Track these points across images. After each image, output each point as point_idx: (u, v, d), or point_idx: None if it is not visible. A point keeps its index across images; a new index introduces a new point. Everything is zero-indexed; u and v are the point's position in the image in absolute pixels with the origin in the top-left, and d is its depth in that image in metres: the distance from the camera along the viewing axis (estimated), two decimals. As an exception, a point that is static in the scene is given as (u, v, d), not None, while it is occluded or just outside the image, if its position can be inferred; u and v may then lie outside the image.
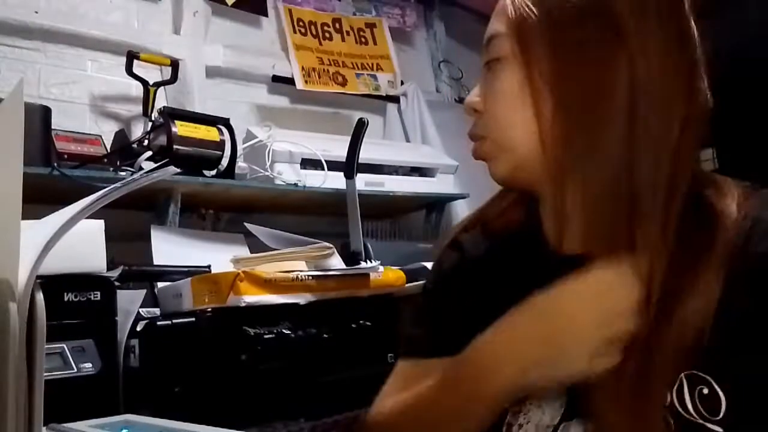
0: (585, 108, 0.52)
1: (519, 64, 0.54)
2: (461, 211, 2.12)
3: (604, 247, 0.50)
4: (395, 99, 2.18)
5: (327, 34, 2.06)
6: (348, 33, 2.10)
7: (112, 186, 0.32)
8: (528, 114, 0.54)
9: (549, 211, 0.58)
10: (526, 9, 0.54)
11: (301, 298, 0.91)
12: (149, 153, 1.37)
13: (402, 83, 2.16)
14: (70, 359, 0.76)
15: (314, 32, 2.03)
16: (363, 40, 2.13)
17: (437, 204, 1.97)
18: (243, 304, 0.85)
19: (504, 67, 0.56)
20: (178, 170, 0.40)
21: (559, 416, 0.53)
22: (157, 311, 0.99)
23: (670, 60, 0.52)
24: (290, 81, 1.92)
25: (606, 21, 0.52)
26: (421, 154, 1.99)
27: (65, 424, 0.56)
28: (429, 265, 1.32)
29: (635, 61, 0.51)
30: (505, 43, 0.55)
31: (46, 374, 0.28)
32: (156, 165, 1.39)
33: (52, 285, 0.76)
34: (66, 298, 0.79)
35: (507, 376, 0.50)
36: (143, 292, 1.00)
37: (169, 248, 1.31)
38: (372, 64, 2.10)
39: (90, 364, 0.77)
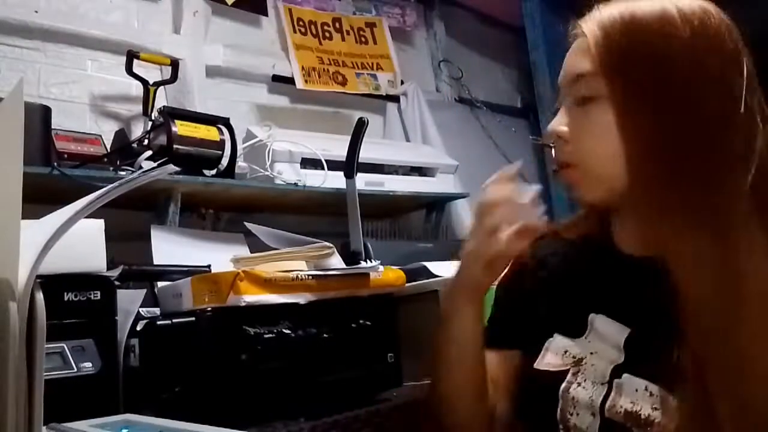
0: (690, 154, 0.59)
1: (613, 105, 0.60)
2: (461, 210, 2.12)
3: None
4: (395, 98, 2.18)
5: (327, 34, 2.06)
6: (348, 32, 2.10)
7: (111, 185, 0.32)
8: (619, 149, 0.60)
9: (631, 226, 0.67)
10: (623, 52, 0.60)
11: (301, 298, 0.91)
12: (149, 152, 1.37)
13: (402, 83, 2.16)
14: (70, 359, 0.76)
15: (314, 32, 2.03)
16: (363, 39, 2.13)
17: (437, 204, 1.97)
18: (243, 304, 0.84)
19: (598, 106, 0.61)
20: (177, 169, 0.40)
21: (609, 372, 0.62)
22: (157, 311, 0.99)
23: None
24: (290, 80, 1.92)
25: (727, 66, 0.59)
26: (421, 153, 1.99)
27: (65, 424, 0.56)
28: (429, 264, 1.32)
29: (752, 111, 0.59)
30: (597, 83, 0.61)
31: (46, 374, 0.28)
32: (156, 164, 1.39)
33: (52, 284, 0.76)
34: (66, 298, 0.78)
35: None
36: (143, 291, 1.00)
37: (169, 248, 1.31)
38: (372, 64, 2.10)
39: (90, 364, 0.77)
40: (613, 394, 0.61)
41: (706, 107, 0.59)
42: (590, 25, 0.63)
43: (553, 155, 0.66)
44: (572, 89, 0.65)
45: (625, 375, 0.61)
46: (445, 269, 1.28)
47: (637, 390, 0.60)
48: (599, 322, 0.65)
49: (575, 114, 0.64)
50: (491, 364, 0.73)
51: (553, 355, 0.68)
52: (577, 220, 0.75)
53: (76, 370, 0.76)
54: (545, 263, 0.75)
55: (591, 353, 0.64)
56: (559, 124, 0.65)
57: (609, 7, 0.63)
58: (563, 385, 0.64)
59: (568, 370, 0.65)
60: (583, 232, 0.72)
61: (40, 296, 0.26)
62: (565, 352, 0.67)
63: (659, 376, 0.59)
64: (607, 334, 0.64)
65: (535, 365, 0.68)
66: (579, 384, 0.64)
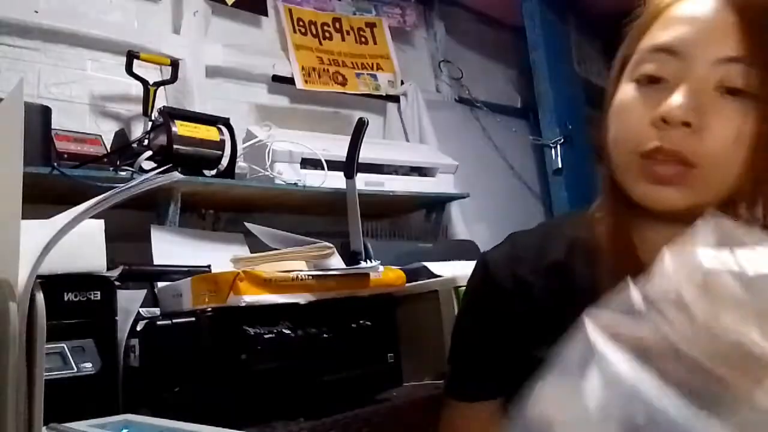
0: None
1: (763, 105, 0.51)
2: (461, 210, 2.12)
3: None
4: (395, 99, 2.18)
5: (327, 34, 2.06)
6: (348, 33, 2.10)
7: (115, 189, 0.32)
8: (746, 156, 0.51)
9: None
10: None
11: (301, 298, 0.91)
12: (149, 153, 1.37)
13: (402, 83, 2.16)
14: (70, 359, 0.76)
15: (314, 32, 2.03)
16: (363, 39, 2.13)
17: (437, 204, 1.97)
18: (243, 304, 0.84)
19: (743, 103, 0.51)
20: (182, 176, 0.39)
21: None
22: (157, 311, 0.99)
23: None
24: (290, 81, 1.92)
25: None
26: (421, 153, 1.99)
27: (65, 424, 0.56)
28: (429, 264, 1.32)
29: None
30: (750, 75, 0.51)
31: (45, 374, 0.28)
32: (156, 165, 1.39)
33: (52, 285, 0.76)
34: (66, 298, 0.78)
35: None
36: (143, 291, 1.00)
37: (169, 248, 1.31)
38: (372, 64, 2.11)
39: (90, 364, 0.77)
40: None
41: None
42: (742, 4, 0.52)
43: (661, 143, 0.52)
44: (714, 72, 0.52)
45: None
46: (445, 269, 1.28)
47: None
48: None
49: (711, 102, 0.51)
50: (473, 423, 0.63)
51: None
52: (606, 232, 0.61)
53: (76, 370, 0.76)
54: (531, 285, 0.63)
55: None
56: (687, 107, 0.51)
57: None
58: None
59: None
60: (606, 248, 0.60)
61: (40, 296, 0.26)
62: None
63: None
64: None
65: None
66: None
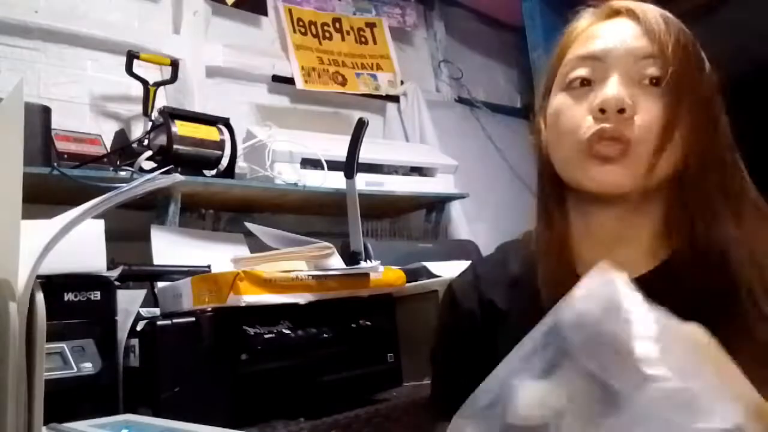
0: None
1: (675, 92, 0.59)
2: (461, 210, 2.12)
3: None
4: (395, 99, 2.18)
5: (327, 34, 2.06)
6: (348, 33, 2.11)
7: (116, 191, 0.32)
8: (668, 136, 0.59)
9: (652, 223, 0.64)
10: (682, 48, 0.61)
11: (301, 298, 0.91)
12: (149, 153, 1.37)
13: (402, 83, 2.17)
14: (70, 359, 0.76)
15: (314, 32, 2.03)
16: (363, 39, 2.13)
17: (437, 204, 1.97)
18: (243, 304, 0.85)
19: (661, 89, 0.60)
20: (183, 178, 0.39)
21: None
22: (157, 311, 0.99)
23: None
24: (290, 81, 1.92)
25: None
26: (421, 153, 1.99)
27: (65, 424, 0.56)
28: (429, 264, 1.32)
29: None
30: (664, 67, 0.60)
31: (46, 374, 0.28)
32: (156, 165, 1.39)
33: (52, 285, 0.76)
34: (66, 298, 0.79)
35: None
36: (143, 292, 1.00)
37: (169, 248, 1.31)
38: (372, 64, 2.11)
39: (90, 364, 0.77)
40: None
41: (718, 105, 0.63)
42: (651, 14, 0.63)
43: (601, 127, 0.60)
44: (636, 66, 0.61)
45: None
46: (445, 269, 1.28)
47: None
48: None
49: (637, 91, 0.60)
50: None
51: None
52: (540, 236, 0.67)
53: (76, 370, 0.76)
54: (490, 298, 0.69)
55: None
56: (620, 95, 0.59)
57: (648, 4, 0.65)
58: None
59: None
60: (541, 252, 0.66)
61: (40, 296, 0.26)
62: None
63: None
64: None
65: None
66: None
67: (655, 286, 0.55)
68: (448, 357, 0.73)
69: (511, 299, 0.68)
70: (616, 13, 0.65)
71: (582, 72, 0.63)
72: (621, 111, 0.59)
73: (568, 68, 0.64)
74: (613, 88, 0.60)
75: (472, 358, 0.69)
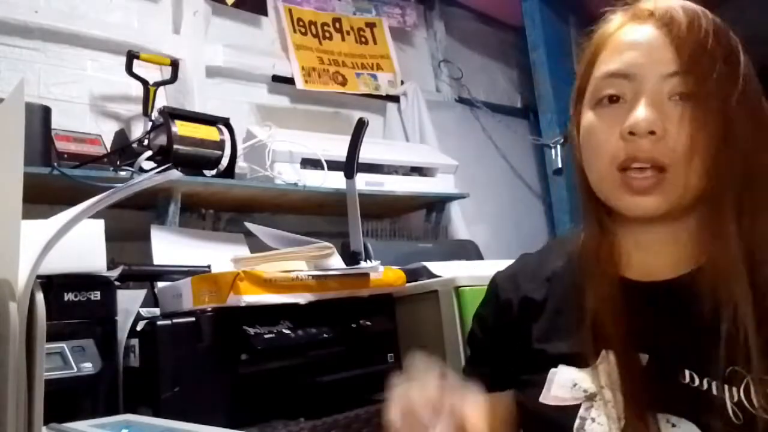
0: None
1: (705, 107, 0.58)
2: (461, 210, 2.12)
3: None
4: (395, 99, 2.18)
5: (327, 34, 2.06)
6: (348, 33, 2.11)
7: (114, 189, 0.32)
8: (705, 151, 0.58)
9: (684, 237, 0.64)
10: (710, 58, 0.59)
11: (301, 298, 0.91)
12: (149, 153, 1.37)
13: (402, 83, 2.17)
14: (70, 359, 0.76)
15: (314, 32, 2.03)
16: (363, 39, 2.13)
17: (437, 204, 1.97)
18: (243, 304, 0.85)
19: (691, 105, 0.59)
20: (181, 175, 0.39)
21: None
22: (157, 311, 0.99)
23: None
24: (290, 81, 1.92)
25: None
26: (421, 153, 1.99)
27: (65, 424, 0.56)
28: (429, 264, 1.32)
29: None
30: (690, 82, 0.59)
31: (45, 374, 0.28)
32: (156, 165, 1.39)
33: (52, 285, 0.76)
34: (66, 298, 0.79)
35: None
36: (143, 292, 1.00)
37: (169, 248, 1.31)
38: (372, 64, 2.11)
39: (90, 364, 0.77)
40: (631, 429, 0.58)
41: (758, 109, 0.62)
42: (682, 18, 0.61)
43: (633, 153, 0.59)
44: (663, 85, 0.60)
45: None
46: (445, 269, 1.28)
47: (658, 425, 0.57)
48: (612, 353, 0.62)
49: (667, 110, 0.59)
50: (488, 409, 0.67)
51: (560, 388, 0.63)
52: (587, 239, 0.69)
53: (76, 370, 0.76)
54: (529, 289, 0.72)
55: (602, 387, 0.61)
56: (650, 118, 0.59)
57: (678, 5, 0.62)
58: (576, 422, 0.61)
59: (579, 405, 0.61)
60: (587, 253, 0.67)
61: (40, 296, 0.26)
62: (574, 385, 0.63)
63: (680, 407, 0.57)
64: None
65: (541, 399, 0.64)
66: (594, 420, 0.60)
67: (692, 287, 0.59)
68: (482, 342, 0.77)
69: (547, 290, 0.71)
70: (646, 15, 0.63)
71: (611, 90, 0.63)
72: (652, 133, 0.58)
73: (595, 86, 0.64)
74: (642, 111, 0.59)
75: (503, 344, 0.72)
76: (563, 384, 0.64)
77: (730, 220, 0.58)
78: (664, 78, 0.60)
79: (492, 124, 2.50)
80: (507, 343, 0.71)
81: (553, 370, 0.65)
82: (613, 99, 0.62)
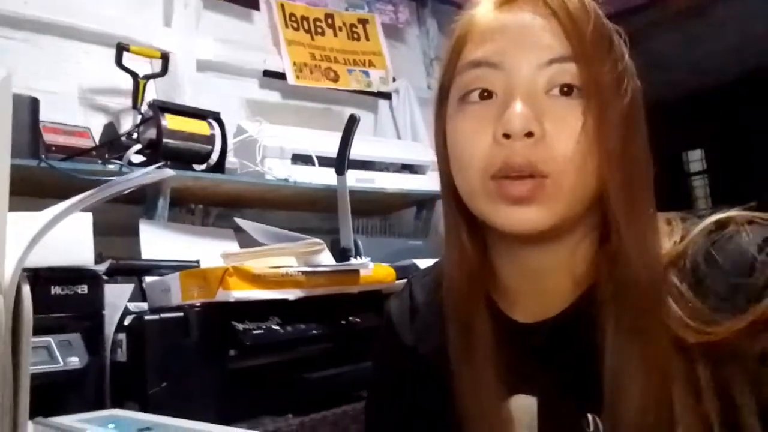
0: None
1: (595, 99, 0.49)
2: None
3: None
4: (387, 95, 2.18)
5: (319, 30, 2.05)
6: (340, 29, 2.10)
7: (107, 184, 0.32)
8: (593, 156, 0.49)
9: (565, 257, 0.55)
10: (597, 42, 0.50)
11: (291, 294, 0.91)
12: (138, 146, 1.36)
13: (394, 80, 2.16)
14: (57, 353, 0.76)
15: (306, 27, 2.02)
16: (355, 36, 2.13)
17: (428, 201, 1.97)
18: (232, 299, 0.84)
19: (577, 98, 0.50)
20: (173, 173, 0.39)
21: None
22: (145, 306, 0.99)
23: None
24: (282, 76, 1.92)
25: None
26: (412, 150, 1.99)
27: (51, 418, 0.56)
28: (419, 261, 1.32)
29: None
30: (579, 71, 0.50)
31: (32, 368, 0.28)
32: (145, 159, 1.38)
33: (38, 278, 0.75)
34: (53, 292, 0.78)
35: None
36: (131, 286, 1.00)
37: (158, 242, 1.30)
38: (364, 60, 2.10)
39: (77, 359, 0.77)
40: None
41: (637, 103, 0.53)
42: (556, 3, 0.51)
43: (508, 159, 0.49)
44: (540, 76, 0.50)
45: None
46: (434, 267, 1.29)
47: None
48: (515, 401, 0.54)
49: (545, 107, 0.50)
50: None
51: None
52: (449, 269, 0.58)
53: (62, 364, 0.75)
54: (426, 330, 0.62)
55: None
56: (526, 117, 0.49)
57: None
58: None
59: None
60: (451, 286, 0.57)
61: (26, 290, 0.26)
62: None
63: None
64: (517, 414, 0.54)
65: None
66: None
67: (579, 321, 0.51)
68: (386, 399, 0.68)
69: (415, 337, 0.63)
70: None
71: (479, 83, 0.52)
72: (529, 134, 0.49)
73: (460, 79, 0.54)
74: (515, 108, 0.49)
75: (415, 400, 0.63)
76: None
77: (623, 230, 0.50)
78: (538, 68, 0.50)
79: (483, 122, 2.50)
80: (417, 401, 0.62)
81: None
82: (484, 95, 0.52)
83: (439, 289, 0.60)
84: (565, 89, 0.50)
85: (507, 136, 0.49)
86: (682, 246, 0.51)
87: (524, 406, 0.54)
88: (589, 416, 0.50)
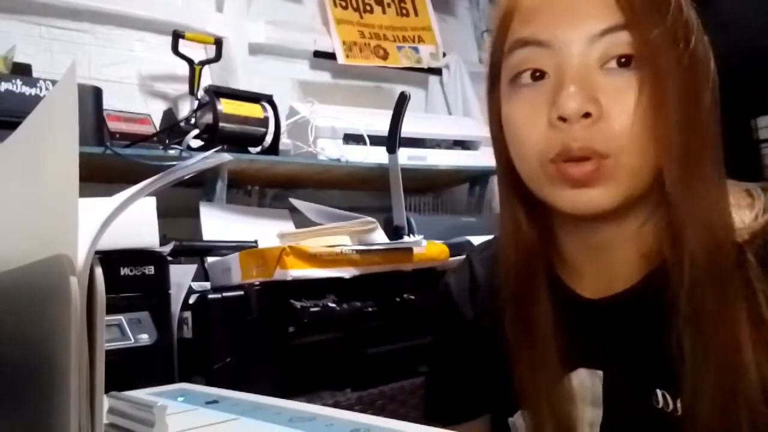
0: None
1: (650, 67, 0.46)
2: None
3: None
4: (437, 71, 2.15)
5: (368, 7, 2.04)
6: (389, 5, 2.08)
7: (170, 170, 0.33)
8: (653, 129, 0.47)
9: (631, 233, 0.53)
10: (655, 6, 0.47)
11: (346, 272, 0.92)
12: (196, 131, 1.40)
13: (444, 55, 2.13)
14: (128, 331, 0.79)
15: (355, 5, 2.01)
16: (404, 11, 2.10)
17: (480, 177, 1.95)
18: (289, 278, 0.86)
19: (635, 69, 0.47)
20: (230, 158, 0.40)
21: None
22: (207, 285, 1.02)
23: None
24: (332, 56, 1.92)
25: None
26: (464, 126, 1.96)
27: (125, 393, 0.59)
28: (472, 238, 1.31)
29: None
30: (633, 39, 0.46)
31: (105, 345, 0.29)
32: (203, 143, 1.42)
33: (109, 260, 0.79)
34: (122, 273, 0.82)
35: None
36: (194, 266, 1.03)
37: (218, 224, 1.34)
38: (413, 36, 2.08)
39: (146, 335, 0.81)
40: None
41: (701, 68, 0.49)
42: None
43: (566, 143, 0.47)
44: (592, 50, 0.47)
45: None
46: (489, 243, 1.27)
47: None
48: (576, 377, 0.53)
49: (600, 84, 0.47)
50: None
51: None
52: (504, 248, 0.58)
53: (133, 341, 0.79)
54: (485, 305, 0.62)
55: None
56: (581, 98, 0.46)
57: None
58: None
59: None
60: (509, 263, 0.57)
61: (99, 271, 0.27)
62: None
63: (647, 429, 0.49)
64: (579, 390, 0.53)
65: None
66: None
67: (650, 296, 0.50)
68: (446, 358, 0.69)
69: (476, 310, 0.63)
70: None
71: (529, 63, 0.50)
72: (586, 115, 0.46)
73: (509, 61, 0.52)
74: (569, 90, 0.47)
75: (468, 360, 0.64)
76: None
77: (683, 204, 0.48)
78: (592, 40, 0.47)
79: (537, 94, 2.44)
80: (470, 362, 0.63)
81: (510, 420, 0.57)
82: (536, 75, 0.50)
83: (498, 265, 0.59)
84: (623, 60, 0.47)
85: (563, 119, 0.47)
86: (759, 223, 0.49)
87: (587, 381, 0.53)
88: (659, 392, 0.49)
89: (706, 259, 0.47)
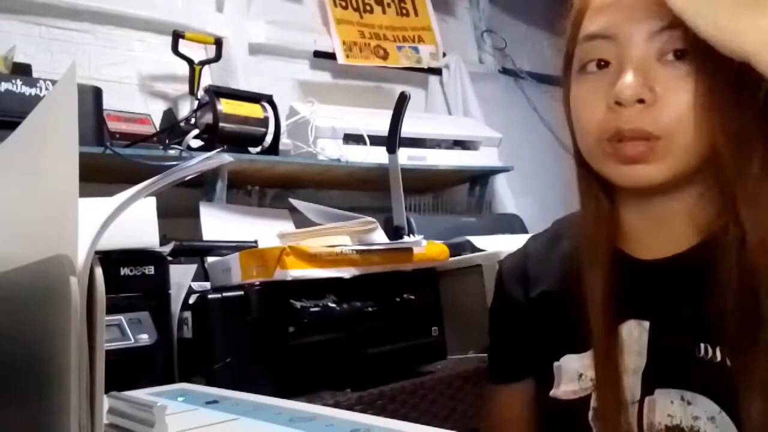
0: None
1: (701, 60, 0.52)
2: (506, 184, 2.09)
3: None
4: (437, 71, 2.15)
5: (368, 7, 2.04)
6: (389, 5, 2.08)
7: (170, 170, 0.33)
8: (705, 115, 0.53)
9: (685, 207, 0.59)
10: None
11: (346, 272, 0.92)
12: (196, 131, 1.40)
13: (444, 55, 2.13)
14: (128, 330, 0.79)
15: (355, 5, 2.01)
16: (404, 11, 2.10)
17: (481, 177, 1.95)
18: (289, 278, 0.86)
19: (686, 63, 0.53)
20: (231, 158, 0.40)
21: (639, 390, 0.58)
22: (207, 285, 1.02)
23: None
24: (332, 56, 1.92)
25: None
26: (464, 126, 1.97)
27: (124, 392, 0.59)
28: (473, 238, 1.31)
29: None
30: (689, 36, 0.51)
31: (105, 345, 0.29)
32: (203, 143, 1.42)
33: (108, 260, 0.79)
34: (122, 273, 0.82)
35: None
36: (194, 266, 1.03)
37: (218, 224, 1.34)
38: (413, 36, 2.08)
39: (146, 335, 0.81)
40: (646, 411, 0.56)
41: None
42: None
43: (620, 125, 0.54)
44: (651, 45, 0.54)
45: (657, 390, 0.56)
46: (489, 243, 1.27)
47: (672, 402, 0.55)
48: (626, 327, 0.60)
49: (657, 73, 0.54)
50: (506, 402, 0.71)
51: (568, 381, 0.62)
52: (584, 217, 0.65)
53: (133, 341, 0.79)
54: (538, 276, 0.69)
55: None
56: (637, 85, 0.53)
57: None
58: (590, 413, 0.59)
59: (590, 395, 0.60)
60: (585, 231, 0.64)
61: (99, 271, 0.27)
62: (580, 375, 0.61)
63: (693, 380, 0.54)
64: (628, 340, 0.59)
65: (552, 393, 0.63)
66: None
67: (699, 261, 0.55)
68: (497, 335, 0.77)
69: (561, 276, 0.68)
70: None
71: (595, 54, 0.57)
72: (640, 101, 0.53)
73: (579, 50, 0.59)
74: (627, 77, 0.53)
75: (517, 337, 0.71)
76: (570, 377, 0.62)
77: (739, 185, 0.53)
78: (651, 36, 0.54)
79: (537, 95, 2.44)
80: (519, 337, 0.71)
81: (556, 364, 0.63)
82: (601, 64, 0.57)
83: (557, 241, 0.70)
84: (679, 53, 0.53)
85: (619, 103, 0.54)
86: None
87: (635, 332, 0.59)
88: (702, 344, 0.54)
89: (758, 239, 0.51)
